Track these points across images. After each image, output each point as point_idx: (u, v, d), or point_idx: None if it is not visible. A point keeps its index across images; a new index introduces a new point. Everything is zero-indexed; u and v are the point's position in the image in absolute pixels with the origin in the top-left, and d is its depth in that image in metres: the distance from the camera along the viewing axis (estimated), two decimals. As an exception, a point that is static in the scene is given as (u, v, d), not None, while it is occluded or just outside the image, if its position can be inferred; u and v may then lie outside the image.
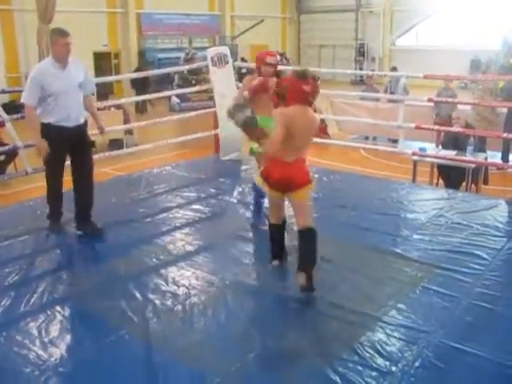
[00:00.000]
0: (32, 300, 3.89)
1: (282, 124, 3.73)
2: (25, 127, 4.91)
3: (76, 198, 5.08)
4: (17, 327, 3.55)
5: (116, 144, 10.72)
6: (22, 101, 4.78)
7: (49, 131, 4.76)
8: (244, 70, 12.16)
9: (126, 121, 11.84)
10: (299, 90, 3.77)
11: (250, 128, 3.87)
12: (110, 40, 21.85)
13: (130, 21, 21.89)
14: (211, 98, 8.57)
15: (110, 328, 3.53)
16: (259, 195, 5.03)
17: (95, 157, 7.40)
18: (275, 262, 4.30)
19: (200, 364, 3.14)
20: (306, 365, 3.13)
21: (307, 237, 3.89)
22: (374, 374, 3.03)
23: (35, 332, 3.48)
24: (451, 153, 7.48)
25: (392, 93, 12.07)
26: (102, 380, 3.02)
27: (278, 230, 4.27)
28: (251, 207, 5.39)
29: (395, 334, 3.40)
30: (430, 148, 8.19)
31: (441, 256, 4.49)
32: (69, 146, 4.92)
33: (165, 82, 18.08)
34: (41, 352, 3.27)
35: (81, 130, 4.96)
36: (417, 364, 3.11)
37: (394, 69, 14.83)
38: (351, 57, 27.77)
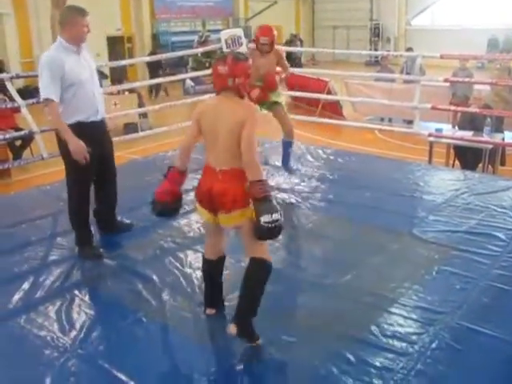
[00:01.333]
0: (50, 283, 3.93)
1: (192, 118, 3.22)
2: (50, 124, 4.31)
3: (100, 200, 4.58)
4: (36, 310, 3.60)
5: (131, 128, 10.76)
6: (44, 97, 3.98)
7: (82, 131, 4.04)
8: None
9: (141, 104, 11.87)
10: (215, 72, 3.10)
11: None
12: (123, 24, 21.78)
13: (143, 4, 21.79)
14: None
15: (128, 310, 3.56)
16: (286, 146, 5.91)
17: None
18: (209, 311, 3.44)
19: (216, 345, 3.18)
20: (322, 346, 3.14)
21: (250, 271, 3.11)
22: (390, 355, 3.03)
23: (54, 315, 3.53)
24: (468, 133, 7.41)
25: (408, 73, 11.94)
26: (120, 361, 3.05)
27: (213, 268, 3.39)
28: None
29: (412, 315, 3.40)
30: (446, 129, 8.11)
31: (457, 237, 4.46)
32: (100, 146, 4.27)
33: (179, 65, 18.05)
34: (60, 334, 3.31)
35: (105, 123, 4.45)
36: (433, 345, 3.10)
37: (409, 49, 14.64)
38: (366, 37, 27.45)
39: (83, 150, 3.98)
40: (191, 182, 4.52)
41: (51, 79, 3.92)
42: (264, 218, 2.88)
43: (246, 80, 3.09)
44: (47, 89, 3.95)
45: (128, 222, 4.79)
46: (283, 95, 5.61)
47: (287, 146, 5.99)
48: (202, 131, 3.14)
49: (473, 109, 7.58)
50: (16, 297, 3.77)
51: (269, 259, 3.12)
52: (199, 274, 3.97)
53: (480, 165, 7.36)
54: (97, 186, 4.46)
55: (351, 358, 3.02)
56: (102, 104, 4.34)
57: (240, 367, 2.99)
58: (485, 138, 7.31)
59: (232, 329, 3.04)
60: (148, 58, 12.82)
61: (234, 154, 3.01)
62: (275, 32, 5.58)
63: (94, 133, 4.14)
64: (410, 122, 8.97)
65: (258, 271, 3.09)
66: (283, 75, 5.68)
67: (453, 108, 8.45)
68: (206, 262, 3.39)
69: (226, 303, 3.46)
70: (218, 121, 3.05)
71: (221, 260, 3.39)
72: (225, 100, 3.09)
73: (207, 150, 3.14)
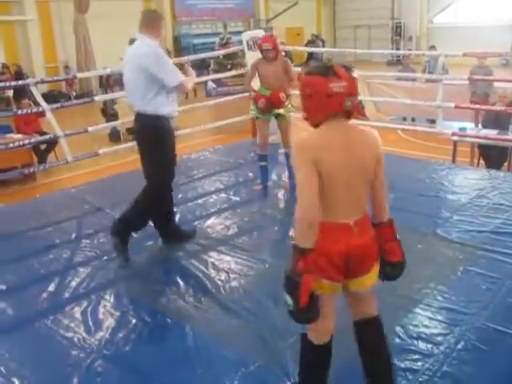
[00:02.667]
0: (76, 285, 3.99)
1: (306, 166, 2.23)
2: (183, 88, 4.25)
3: (163, 209, 4.54)
4: (62, 311, 3.65)
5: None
6: (177, 83, 4.14)
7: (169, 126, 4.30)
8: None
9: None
10: (323, 93, 2.23)
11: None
12: (145, 27, 21.95)
13: (165, 7, 21.91)
14: (247, 83, 8.55)
15: (153, 312, 3.59)
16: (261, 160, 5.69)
17: (134, 143, 7.53)
18: None
19: (240, 348, 3.17)
20: (345, 347, 3.12)
21: (374, 332, 2.56)
22: (415, 356, 3.01)
23: (80, 316, 3.58)
24: (492, 132, 7.31)
25: (431, 72, 11.84)
26: (146, 363, 3.07)
27: (325, 353, 2.56)
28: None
29: (437, 316, 3.37)
30: (470, 127, 8.02)
31: (482, 237, 4.41)
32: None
33: (201, 67, 18.12)
34: (86, 335, 3.36)
35: None
36: (459, 346, 3.07)
37: (432, 47, 14.51)
38: (387, 37, 27.27)
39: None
40: (214, 184, 4.55)
41: (173, 66, 4.23)
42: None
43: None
44: (176, 76, 4.17)
45: (191, 229, 4.77)
46: (292, 111, 5.56)
47: (289, 157, 5.52)
48: (322, 177, 2.25)
49: (498, 107, 7.47)
50: (42, 298, 3.84)
51: None
52: (223, 275, 4.00)
53: (505, 163, 7.26)
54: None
55: (376, 359, 3.00)
56: None
57: (264, 368, 3.00)
58: (510, 136, 7.21)
59: None
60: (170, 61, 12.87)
61: (367, 197, 2.41)
62: (278, 40, 5.65)
63: (172, 127, 4.36)
64: (433, 122, 8.87)
65: (383, 333, 2.58)
66: (289, 90, 5.45)
67: (477, 106, 8.35)
68: (318, 348, 2.53)
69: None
70: (346, 159, 2.28)
71: (332, 339, 2.57)
72: (342, 129, 2.33)
73: (327, 201, 2.29)
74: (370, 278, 2.46)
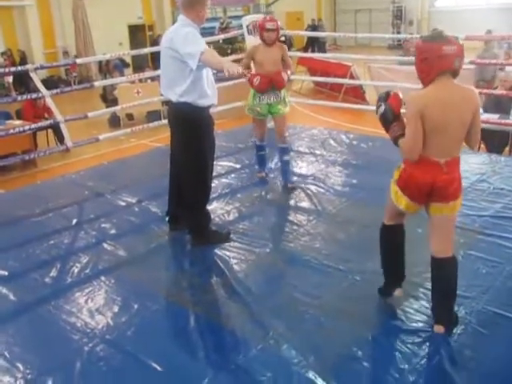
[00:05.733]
0: (78, 270, 4.00)
1: (415, 118, 2.80)
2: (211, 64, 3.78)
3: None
4: (64, 296, 3.67)
5: (154, 115, 10.79)
6: (199, 51, 3.73)
7: (209, 115, 4.15)
8: (282, 38, 12.05)
9: (163, 92, 11.88)
10: (437, 53, 2.77)
11: (384, 124, 3.06)
12: (144, 12, 21.83)
13: (163, -9, 21.83)
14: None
15: (154, 297, 3.60)
16: (259, 150, 5.69)
17: (134, 129, 7.52)
18: (399, 292, 3.36)
19: (242, 331, 3.19)
20: (348, 331, 3.15)
21: (446, 270, 3.05)
22: (416, 340, 3.02)
23: (82, 301, 3.59)
24: (494, 116, 7.29)
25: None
26: (147, 347, 3.09)
27: (399, 231, 3.29)
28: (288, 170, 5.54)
29: (437, 300, 3.38)
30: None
31: (483, 222, 4.42)
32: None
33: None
34: (88, 320, 3.37)
35: None
36: (459, 330, 3.08)
37: (434, 31, 14.42)
38: (388, 21, 27.11)
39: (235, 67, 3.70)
40: (214, 168, 4.55)
41: (198, 37, 3.88)
42: None
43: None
44: (198, 44, 3.81)
45: (225, 231, 4.47)
46: (288, 105, 5.45)
47: (283, 152, 5.47)
48: (425, 126, 2.80)
49: (499, 91, 7.44)
50: (44, 284, 3.85)
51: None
52: (224, 260, 4.01)
53: (506, 148, 7.25)
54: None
55: (376, 342, 3.03)
56: None
57: (268, 351, 3.01)
58: (511, 120, 7.19)
59: (439, 329, 3.05)
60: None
61: (460, 142, 2.93)
62: (279, 23, 5.46)
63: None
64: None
65: (455, 268, 3.07)
66: (288, 73, 5.31)
67: (479, 90, 8.31)
68: (392, 226, 3.24)
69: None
70: (449, 111, 2.79)
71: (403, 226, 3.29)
72: (448, 87, 2.83)
73: (426, 142, 2.84)
74: (447, 208, 2.98)
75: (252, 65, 5.42)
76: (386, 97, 3.05)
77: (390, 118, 2.99)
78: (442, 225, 3.03)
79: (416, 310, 3.29)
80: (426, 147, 2.85)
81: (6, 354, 3.10)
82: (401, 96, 3.04)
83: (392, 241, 3.26)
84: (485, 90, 7.97)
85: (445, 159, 2.88)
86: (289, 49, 5.86)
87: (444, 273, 3.05)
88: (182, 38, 3.83)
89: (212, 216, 4.68)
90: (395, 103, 3.00)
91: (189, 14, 3.97)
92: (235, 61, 10.96)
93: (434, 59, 2.78)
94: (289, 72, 5.31)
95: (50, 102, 6.51)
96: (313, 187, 5.34)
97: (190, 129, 4.04)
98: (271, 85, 5.18)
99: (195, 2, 3.96)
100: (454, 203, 2.99)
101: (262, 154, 5.72)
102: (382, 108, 3.02)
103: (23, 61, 16.10)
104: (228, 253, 4.11)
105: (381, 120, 3.05)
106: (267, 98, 5.27)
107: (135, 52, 9.49)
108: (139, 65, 16.78)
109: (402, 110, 2.97)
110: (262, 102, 5.27)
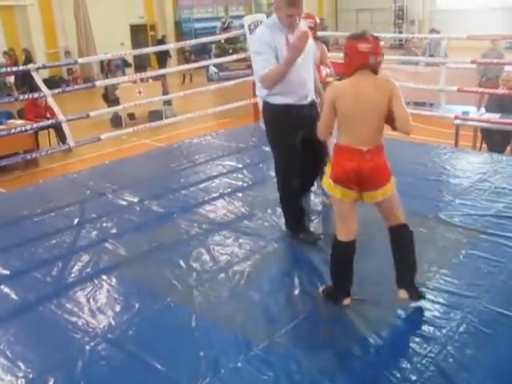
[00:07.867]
0: (79, 269, 4.00)
1: (328, 101, 3.11)
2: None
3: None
4: (66, 295, 3.67)
5: (155, 115, 10.81)
6: (258, 78, 3.84)
7: (290, 112, 3.99)
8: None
9: (165, 92, 11.91)
10: (354, 51, 3.05)
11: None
12: (146, 12, 21.85)
13: (165, -9, 21.85)
14: (249, 67, 8.53)
15: (155, 296, 3.61)
16: None
17: (136, 129, 7.52)
18: (348, 301, 3.37)
19: (244, 330, 3.19)
20: (349, 330, 3.15)
21: (401, 236, 3.27)
22: (417, 339, 3.02)
23: (84, 300, 3.60)
24: (495, 116, 7.28)
25: (431, 55, 11.77)
26: (149, 346, 3.09)
27: (353, 250, 3.30)
28: None
29: (439, 299, 3.38)
30: (472, 111, 7.98)
31: (485, 221, 4.41)
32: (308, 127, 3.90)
33: (202, 52, 18.05)
34: (90, 319, 3.37)
35: (315, 106, 4.23)
36: (461, 329, 3.08)
37: (432, 30, 14.44)
38: (390, 20, 27.11)
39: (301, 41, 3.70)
40: (216, 168, 4.55)
41: (262, 56, 3.82)
42: None
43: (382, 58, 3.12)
44: (261, 67, 3.82)
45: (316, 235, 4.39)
46: None
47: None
48: (337, 114, 3.10)
49: (501, 90, 7.43)
50: (46, 283, 3.86)
51: None
52: (226, 259, 4.01)
53: (508, 147, 7.24)
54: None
55: (378, 341, 3.02)
56: (313, 88, 4.18)
57: (269, 351, 3.01)
58: (513, 120, 7.18)
59: (403, 294, 3.24)
60: (172, 45, 12.83)
61: (380, 131, 3.14)
62: (318, 19, 5.26)
63: (301, 114, 4.02)
64: (431, 105, 8.81)
65: (410, 233, 3.29)
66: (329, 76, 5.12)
67: (480, 90, 8.30)
68: (344, 244, 3.26)
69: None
70: (361, 101, 3.04)
71: (355, 240, 3.30)
72: (363, 79, 3.07)
73: (344, 131, 3.12)
74: (381, 193, 3.14)
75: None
76: None
77: None
78: (385, 205, 3.23)
79: (417, 309, 3.29)
80: (348, 136, 3.10)
81: (7, 352, 3.11)
82: None
83: (345, 257, 3.31)
84: (487, 90, 7.98)
85: (367, 147, 3.06)
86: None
87: (401, 239, 3.26)
88: (251, 46, 3.86)
89: (213, 216, 4.68)
90: None
91: (275, 12, 3.90)
92: (237, 61, 10.98)
93: (353, 55, 3.06)
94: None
95: (51, 101, 6.51)
96: (315, 188, 5.33)
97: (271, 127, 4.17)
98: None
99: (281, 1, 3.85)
100: (384, 188, 3.15)
101: None
102: None
103: (28, 60, 16.11)
104: (229, 252, 4.12)
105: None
106: None
107: (137, 52, 9.48)
108: (141, 64, 16.80)
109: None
110: None
